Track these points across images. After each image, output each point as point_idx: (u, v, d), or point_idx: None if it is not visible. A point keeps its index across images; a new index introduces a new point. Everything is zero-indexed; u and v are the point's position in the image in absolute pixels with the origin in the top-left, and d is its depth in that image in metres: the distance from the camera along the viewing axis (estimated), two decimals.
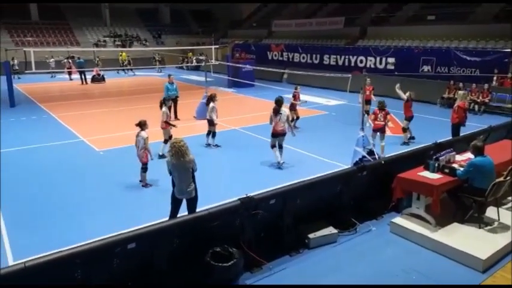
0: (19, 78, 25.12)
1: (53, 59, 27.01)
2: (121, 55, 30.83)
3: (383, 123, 9.66)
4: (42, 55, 25.75)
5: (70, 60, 26.71)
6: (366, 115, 10.23)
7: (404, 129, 11.14)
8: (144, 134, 7.81)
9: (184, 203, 5.86)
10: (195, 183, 5.83)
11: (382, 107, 9.71)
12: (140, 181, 8.06)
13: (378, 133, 9.73)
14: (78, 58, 24.70)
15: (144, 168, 7.93)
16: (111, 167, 9.35)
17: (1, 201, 7.26)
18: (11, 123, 13.82)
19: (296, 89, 12.98)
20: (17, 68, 24.92)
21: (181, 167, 5.63)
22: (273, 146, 9.17)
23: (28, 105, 17.29)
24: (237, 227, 5.20)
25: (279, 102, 8.93)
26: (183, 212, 5.83)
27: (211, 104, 10.44)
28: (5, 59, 17.68)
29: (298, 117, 12.76)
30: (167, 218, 5.62)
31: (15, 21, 33.02)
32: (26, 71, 18.03)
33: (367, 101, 12.49)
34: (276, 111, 8.86)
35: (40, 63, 20.98)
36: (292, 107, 12.54)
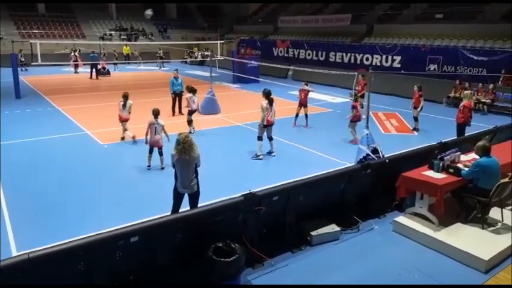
0: (26, 70, 25.26)
1: (76, 52, 26.92)
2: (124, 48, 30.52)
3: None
4: (48, 47, 25.77)
5: (77, 54, 26.75)
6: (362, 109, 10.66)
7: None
8: (161, 121, 8.55)
9: (186, 197, 5.89)
10: (197, 178, 5.86)
11: (357, 98, 10.95)
12: (162, 168, 8.56)
13: (358, 123, 10.55)
14: (93, 52, 24.78)
15: (160, 152, 8.58)
16: (115, 160, 9.39)
17: (4, 193, 7.33)
18: (16, 115, 13.88)
19: (304, 85, 12.62)
20: (23, 60, 25.02)
21: (187, 162, 5.66)
22: (260, 138, 9.29)
23: (34, 98, 17.35)
24: (239, 223, 5.21)
25: (270, 94, 9.31)
26: (184, 206, 5.86)
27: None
28: (11, 51, 17.72)
29: (306, 115, 12.40)
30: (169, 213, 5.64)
31: (22, 14, 33.13)
32: (33, 63, 18.08)
33: (361, 95, 13.05)
34: (272, 102, 9.18)
35: (46, 56, 21.01)
36: (301, 104, 12.39)
